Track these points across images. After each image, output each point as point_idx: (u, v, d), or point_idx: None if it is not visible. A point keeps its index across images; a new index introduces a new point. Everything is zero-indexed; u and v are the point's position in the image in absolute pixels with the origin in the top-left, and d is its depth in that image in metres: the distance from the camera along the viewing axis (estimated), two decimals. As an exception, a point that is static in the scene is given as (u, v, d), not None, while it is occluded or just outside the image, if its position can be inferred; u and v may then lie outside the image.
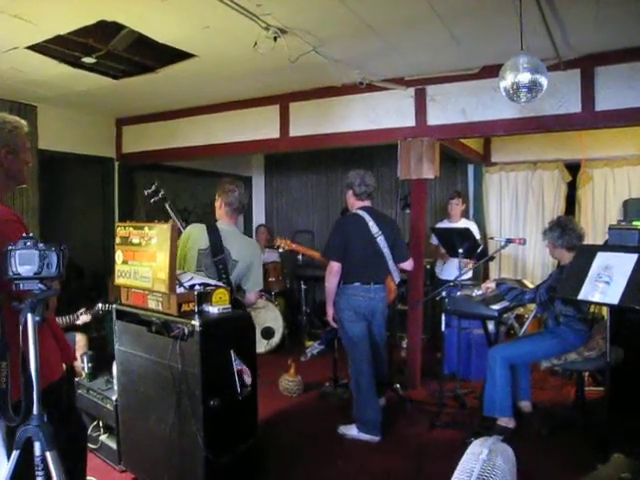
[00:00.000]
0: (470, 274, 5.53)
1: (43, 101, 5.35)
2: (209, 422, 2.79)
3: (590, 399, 4.13)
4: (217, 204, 3.61)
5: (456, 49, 4.03)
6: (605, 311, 4.04)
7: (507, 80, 2.95)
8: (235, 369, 2.88)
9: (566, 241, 3.78)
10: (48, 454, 1.59)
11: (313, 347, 6.13)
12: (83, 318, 4.27)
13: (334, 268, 3.86)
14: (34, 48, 3.82)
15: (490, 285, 4.19)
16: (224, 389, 2.87)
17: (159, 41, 3.75)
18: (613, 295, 2.87)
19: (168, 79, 4.65)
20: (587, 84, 4.16)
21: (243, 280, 3.53)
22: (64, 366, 2.19)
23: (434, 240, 5.78)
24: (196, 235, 3.50)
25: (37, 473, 1.61)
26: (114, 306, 3.31)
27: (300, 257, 6.69)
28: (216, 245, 3.41)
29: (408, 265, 4.13)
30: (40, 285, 1.65)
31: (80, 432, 2.37)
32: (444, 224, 5.93)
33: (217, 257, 3.39)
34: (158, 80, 4.65)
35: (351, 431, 3.90)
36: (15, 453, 1.60)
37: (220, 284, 3.19)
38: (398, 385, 4.75)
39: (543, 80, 2.91)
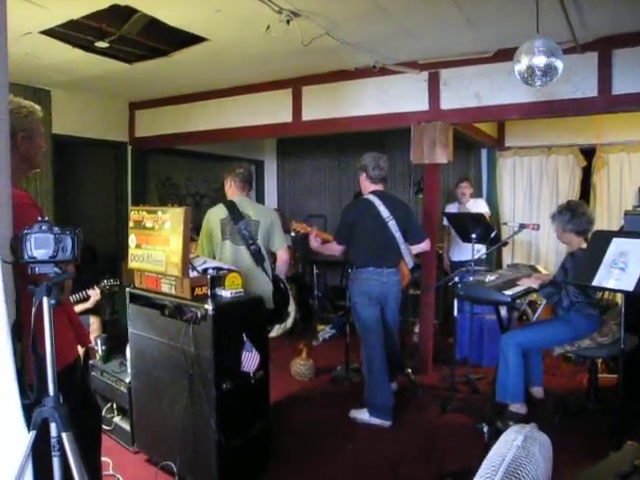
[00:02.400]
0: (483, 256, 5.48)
1: (57, 86, 5.37)
2: (221, 405, 2.82)
3: (603, 386, 4.11)
4: (227, 185, 3.93)
5: (470, 32, 3.97)
6: (619, 297, 4.02)
7: (522, 64, 2.92)
8: (244, 355, 2.91)
9: (576, 225, 3.70)
10: (64, 435, 1.61)
11: (325, 331, 6.18)
12: (92, 293, 4.31)
13: (337, 249, 4.00)
14: (47, 33, 3.82)
15: (532, 285, 4.00)
16: (237, 372, 2.90)
17: (171, 25, 3.73)
18: (628, 282, 2.85)
19: (181, 63, 4.64)
20: (604, 67, 4.09)
21: (270, 242, 3.85)
22: (79, 349, 2.22)
23: (445, 221, 5.76)
24: (215, 211, 3.83)
25: (53, 453, 1.64)
26: (127, 289, 3.35)
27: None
28: (234, 212, 3.74)
29: (425, 245, 4.08)
30: (55, 269, 1.66)
31: (95, 414, 2.41)
32: (454, 207, 5.90)
33: (238, 223, 3.70)
34: (171, 64, 4.64)
35: (362, 415, 3.93)
36: (32, 433, 1.62)
37: (233, 268, 3.21)
38: (410, 370, 4.76)
39: (559, 64, 2.87)
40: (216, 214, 3.79)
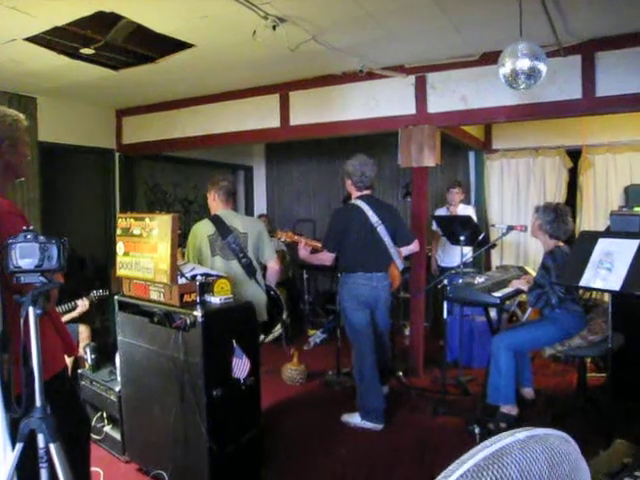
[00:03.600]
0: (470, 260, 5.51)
1: (42, 93, 5.34)
2: (212, 412, 2.81)
3: (592, 385, 4.14)
4: (210, 198, 3.88)
5: (456, 36, 4.00)
6: (606, 296, 4.05)
7: (506, 67, 2.94)
8: (234, 361, 2.90)
9: (554, 229, 3.74)
10: (52, 446, 1.60)
11: (316, 336, 6.17)
12: (81, 304, 4.28)
13: (328, 258, 3.93)
14: (32, 40, 3.80)
15: (522, 287, 4.02)
16: (227, 379, 2.88)
17: (157, 31, 3.73)
18: (614, 282, 2.87)
19: (168, 69, 4.63)
20: (588, 70, 4.13)
21: (260, 253, 3.81)
22: (67, 358, 2.20)
23: (434, 226, 5.79)
24: (201, 227, 3.76)
25: (41, 465, 1.62)
26: (116, 297, 3.33)
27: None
28: (222, 226, 3.68)
29: (414, 246, 4.10)
30: (41, 278, 1.66)
31: (83, 423, 2.39)
32: (443, 211, 5.93)
33: (226, 238, 3.64)
34: (158, 70, 4.63)
35: (354, 419, 3.92)
36: (19, 446, 1.61)
37: (222, 274, 3.21)
38: (401, 373, 4.78)
39: (542, 67, 2.89)
40: (203, 230, 3.72)
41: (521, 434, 0.79)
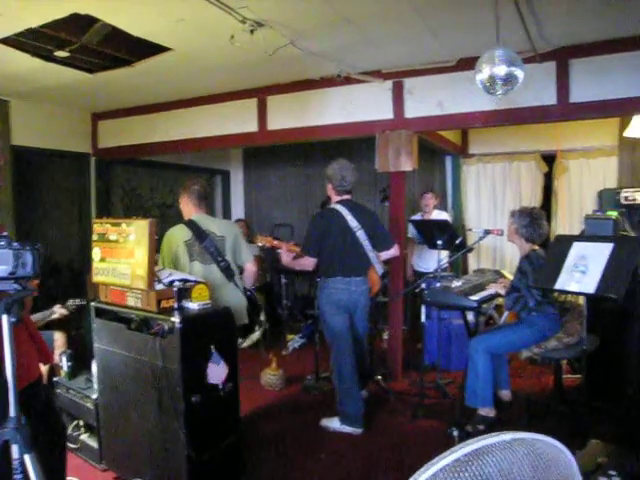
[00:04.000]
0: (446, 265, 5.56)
1: (16, 96, 5.25)
2: (191, 418, 2.78)
3: (568, 386, 4.20)
4: (183, 202, 3.87)
5: (433, 42, 4.04)
6: (581, 299, 4.12)
7: (483, 73, 2.97)
8: (210, 367, 2.88)
9: (529, 233, 3.80)
10: (26, 457, 1.57)
11: (294, 341, 6.16)
12: (57, 312, 4.19)
13: (309, 263, 3.90)
14: (4, 41, 3.74)
15: (500, 291, 4.04)
16: (206, 385, 2.86)
17: (133, 34, 3.69)
18: (589, 284, 2.91)
19: (144, 73, 4.59)
20: (562, 76, 4.20)
21: (237, 256, 3.81)
22: (42, 366, 2.16)
23: (410, 233, 5.81)
24: (176, 233, 3.70)
25: (15, 476, 1.59)
26: (92, 304, 3.28)
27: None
28: (198, 232, 3.65)
29: (394, 251, 4.11)
30: (15, 285, 1.62)
31: (59, 432, 2.35)
32: (417, 217, 5.95)
33: (204, 242, 3.62)
34: (134, 74, 4.59)
35: (333, 424, 3.92)
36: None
37: (200, 280, 3.18)
38: (379, 377, 4.79)
39: (519, 73, 2.93)
40: (178, 236, 3.66)
41: (507, 436, 0.80)
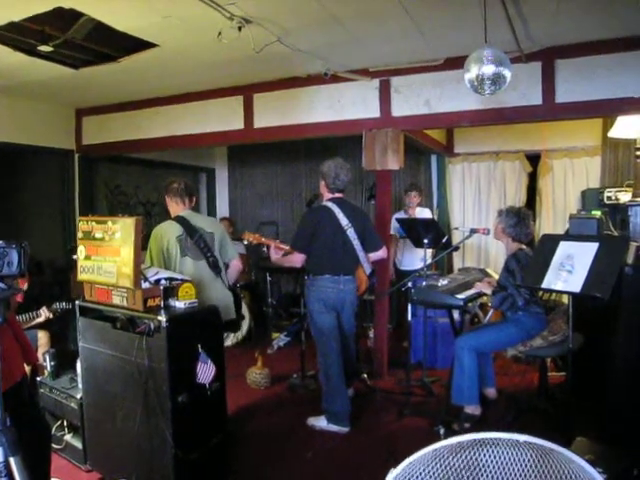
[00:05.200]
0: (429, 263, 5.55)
1: (-3, 91, 5.17)
2: (177, 418, 2.77)
3: (553, 384, 4.24)
4: (169, 202, 3.90)
5: (420, 40, 4.04)
6: (565, 297, 4.16)
7: (471, 72, 2.97)
8: (199, 366, 2.86)
9: (516, 232, 3.85)
10: (11, 459, 1.54)
11: (280, 339, 6.14)
12: (43, 314, 4.14)
13: (298, 259, 3.89)
14: (-14, 35, 3.67)
15: (486, 290, 4.03)
16: (192, 384, 2.84)
17: (119, 30, 3.65)
18: (575, 283, 2.94)
19: (130, 69, 4.54)
20: (548, 77, 4.23)
21: (223, 252, 3.87)
22: (26, 366, 2.13)
23: (392, 230, 5.80)
24: (166, 228, 3.73)
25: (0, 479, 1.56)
26: (77, 302, 3.24)
27: (265, 249, 6.65)
28: (188, 228, 3.68)
29: (382, 253, 4.12)
30: (0, 284, 1.59)
31: (43, 433, 2.31)
32: (401, 215, 5.95)
33: (195, 237, 3.66)
34: (120, 70, 4.53)
35: (320, 422, 3.92)
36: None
37: (187, 278, 3.16)
38: (365, 375, 4.79)
39: (507, 73, 2.94)
40: (170, 231, 3.68)
41: (522, 437, 0.80)
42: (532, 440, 0.80)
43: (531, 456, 0.79)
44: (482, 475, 0.71)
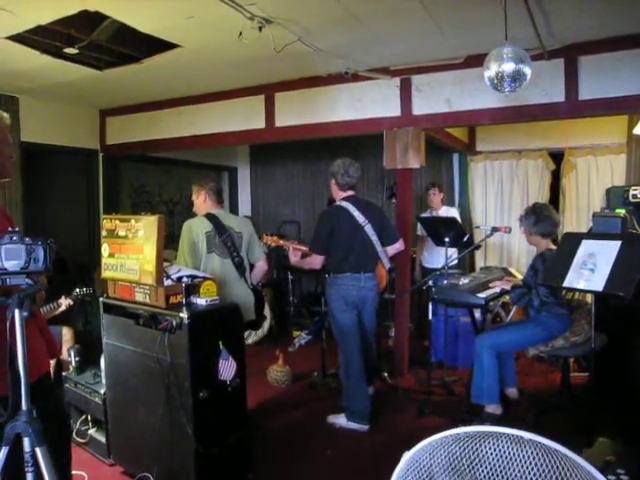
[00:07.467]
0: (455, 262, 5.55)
1: (25, 92, 5.27)
2: (198, 414, 2.80)
3: (575, 384, 4.19)
4: (200, 199, 3.92)
5: (441, 39, 4.03)
6: (589, 296, 4.11)
7: (491, 70, 2.96)
8: (221, 363, 2.90)
9: (541, 228, 3.80)
10: (38, 450, 1.58)
11: (301, 337, 6.16)
12: (63, 303, 4.20)
13: (317, 262, 3.92)
14: (15, 38, 3.75)
15: (505, 286, 4.06)
16: (213, 380, 2.88)
17: (142, 31, 3.70)
18: (597, 282, 2.90)
19: (153, 69, 4.60)
20: (571, 73, 4.18)
21: (250, 253, 3.91)
22: (51, 360, 2.18)
23: (419, 231, 5.82)
24: (197, 223, 3.78)
25: (27, 469, 1.60)
26: (101, 299, 3.30)
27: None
28: (218, 225, 3.73)
29: (400, 245, 4.11)
30: (27, 280, 1.64)
31: (64, 426, 2.36)
32: (427, 214, 5.95)
33: (223, 235, 3.71)
34: (142, 71, 4.60)
35: (340, 420, 3.93)
36: (4, 449, 1.59)
37: (208, 276, 3.20)
38: (386, 374, 4.79)
39: (527, 70, 2.92)
40: (200, 226, 3.73)
41: (526, 434, 0.81)
42: (536, 438, 0.80)
43: (533, 454, 0.80)
44: (481, 465, 0.72)
